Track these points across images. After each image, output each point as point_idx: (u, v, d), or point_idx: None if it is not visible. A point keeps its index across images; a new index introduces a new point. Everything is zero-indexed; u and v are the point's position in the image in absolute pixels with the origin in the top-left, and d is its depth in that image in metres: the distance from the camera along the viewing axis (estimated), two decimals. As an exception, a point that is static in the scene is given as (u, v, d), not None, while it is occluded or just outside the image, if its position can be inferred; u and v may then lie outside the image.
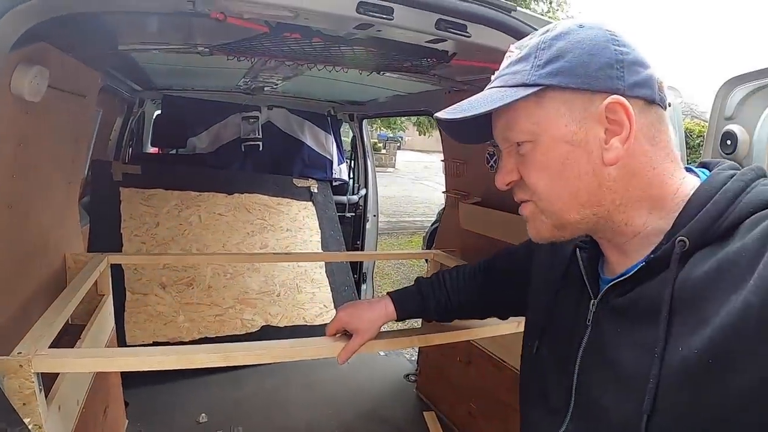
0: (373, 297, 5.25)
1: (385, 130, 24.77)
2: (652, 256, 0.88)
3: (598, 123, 0.88)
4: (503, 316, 1.70)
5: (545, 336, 1.14)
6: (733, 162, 0.94)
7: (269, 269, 4.11)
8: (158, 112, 5.33)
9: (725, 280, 0.77)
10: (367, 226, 5.21)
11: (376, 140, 27.58)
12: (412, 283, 1.69)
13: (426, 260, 3.72)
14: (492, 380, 2.94)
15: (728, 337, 0.73)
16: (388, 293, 1.65)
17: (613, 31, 0.92)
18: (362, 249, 5.17)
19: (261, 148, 4.90)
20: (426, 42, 1.96)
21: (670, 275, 0.84)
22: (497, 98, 0.92)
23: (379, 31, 1.80)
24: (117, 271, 3.34)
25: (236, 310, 3.81)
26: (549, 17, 14.25)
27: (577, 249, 1.08)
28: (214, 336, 3.61)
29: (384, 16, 1.54)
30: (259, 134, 4.89)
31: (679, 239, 0.84)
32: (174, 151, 5.14)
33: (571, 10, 16.13)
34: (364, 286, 5.11)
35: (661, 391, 0.80)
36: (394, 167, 28.25)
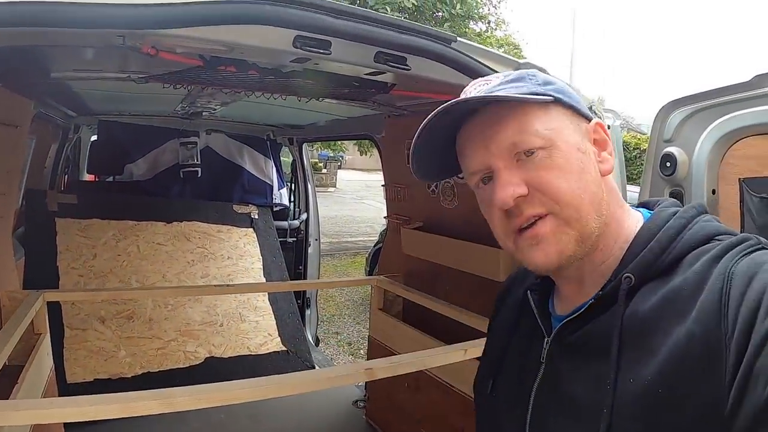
0: (317, 324, 5.24)
1: (325, 149, 24.74)
2: (600, 293, 0.91)
3: (588, 141, 0.95)
4: None
5: (500, 376, 1.13)
6: (674, 199, 1.00)
7: (211, 299, 4.05)
8: (94, 137, 5.16)
9: (670, 312, 0.82)
10: (309, 250, 5.18)
11: (317, 160, 27.46)
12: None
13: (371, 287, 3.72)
14: (442, 406, 2.94)
15: (676, 366, 0.78)
16: None
17: (558, 80, 0.99)
18: (305, 274, 5.13)
19: (200, 174, 4.79)
20: (365, 75, 1.97)
21: (619, 310, 0.87)
22: (514, 96, 0.91)
23: (316, 64, 1.79)
24: (54, 306, 3.22)
25: (179, 342, 3.73)
26: (487, 36, 14.52)
27: (528, 291, 1.08)
28: (157, 370, 3.52)
29: (321, 51, 1.52)
30: (197, 160, 4.78)
31: (625, 276, 0.88)
32: (111, 179, 4.99)
33: (510, 29, 16.43)
34: (308, 312, 5.06)
35: (614, 421, 0.83)
36: (335, 187, 28.16)
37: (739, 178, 1.83)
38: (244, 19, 1.35)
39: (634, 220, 0.96)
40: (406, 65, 1.69)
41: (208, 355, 3.78)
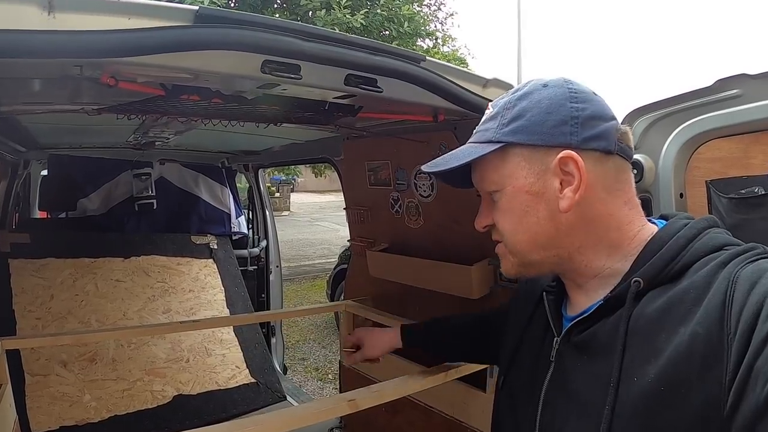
0: (283, 351, 5.18)
1: (278, 173, 24.62)
2: (609, 295, 0.97)
3: (554, 175, 0.98)
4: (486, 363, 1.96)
5: (510, 372, 1.22)
6: (688, 213, 1.07)
7: (175, 335, 3.94)
8: (45, 172, 4.98)
9: (675, 313, 0.87)
10: (271, 278, 5.11)
11: (270, 184, 27.33)
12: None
13: (337, 313, 3.68)
14: (422, 428, 2.91)
15: (678, 366, 0.82)
16: (400, 325, 1.97)
17: (575, 88, 1.01)
18: (268, 302, 5.05)
19: (155, 206, 4.65)
20: (334, 98, 1.94)
21: (626, 312, 0.93)
22: (468, 154, 1.05)
23: (284, 89, 1.74)
24: (12, 353, 3.10)
25: (145, 382, 3.60)
26: (435, 52, 14.65)
27: (544, 292, 1.17)
28: (125, 413, 3.39)
29: (291, 76, 1.48)
30: (152, 191, 4.65)
31: (634, 280, 0.93)
32: (64, 215, 4.85)
33: (456, 43, 16.63)
34: (273, 340, 4.98)
35: (616, 418, 0.88)
36: (289, 210, 28.01)
37: (706, 181, 1.88)
38: (209, 44, 1.30)
39: (649, 231, 1.01)
40: (378, 87, 1.67)
41: (176, 393, 3.66)
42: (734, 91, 1.73)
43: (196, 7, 1.29)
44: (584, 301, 1.05)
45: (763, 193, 1.71)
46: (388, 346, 1.94)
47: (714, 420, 0.78)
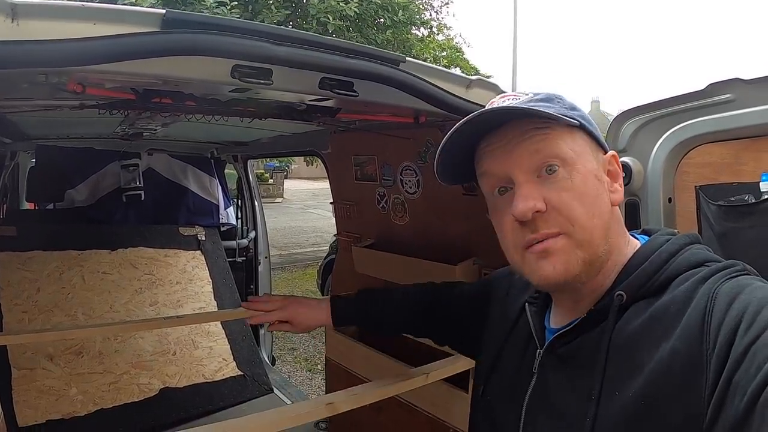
0: (272, 342, 5.19)
1: (272, 160, 24.58)
2: (593, 308, 0.97)
3: (604, 170, 0.99)
4: (438, 342, 1.72)
5: (491, 381, 1.20)
6: (670, 229, 1.05)
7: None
8: (32, 163, 4.97)
9: (657, 329, 0.87)
10: (260, 269, 5.08)
11: (263, 171, 27.28)
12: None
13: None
14: (406, 426, 2.90)
15: (659, 381, 0.83)
16: (330, 297, 1.79)
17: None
18: (256, 293, 4.99)
19: (143, 197, 4.60)
20: (309, 101, 1.91)
21: (609, 326, 0.92)
22: (548, 112, 0.93)
23: (257, 93, 1.73)
24: (-1, 347, 3.12)
25: (131, 375, 3.59)
26: (430, 41, 14.58)
27: (527, 304, 1.16)
28: (111, 406, 3.38)
29: (262, 81, 1.43)
30: (140, 182, 4.59)
31: (617, 293, 0.93)
32: (51, 206, 4.83)
33: (451, 32, 16.54)
34: (262, 331, 4.95)
35: (597, 431, 0.88)
36: (282, 197, 28.02)
37: (695, 186, 1.87)
38: (176, 51, 1.25)
39: (632, 246, 1.01)
40: (354, 91, 1.61)
41: (162, 386, 3.64)
42: (727, 95, 1.71)
43: (164, 11, 1.26)
44: (568, 313, 1.04)
45: (753, 201, 1.69)
46: (315, 323, 1.78)
47: None
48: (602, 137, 1.02)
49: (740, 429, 0.72)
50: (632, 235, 1.05)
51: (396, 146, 2.94)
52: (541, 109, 0.92)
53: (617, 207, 1.00)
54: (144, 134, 3.73)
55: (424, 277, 2.88)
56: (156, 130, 3.49)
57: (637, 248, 1.00)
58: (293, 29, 1.56)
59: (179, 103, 1.78)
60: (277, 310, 1.76)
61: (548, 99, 0.99)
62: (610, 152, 1.02)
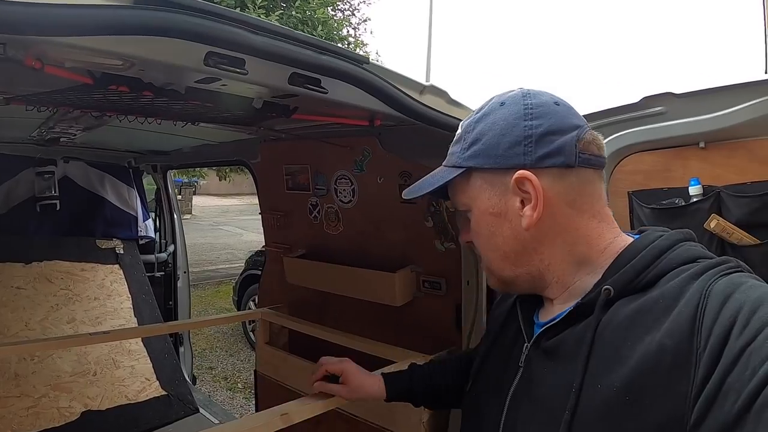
0: (192, 359, 5.04)
1: (180, 175, 24.01)
2: (579, 302, 0.98)
3: (514, 194, 1.01)
4: None
5: (479, 377, 1.24)
6: (664, 227, 1.05)
7: (81, 346, 3.72)
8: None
9: (643, 322, 0.87)
10: (179, 284, 4.97)
11: (171, 186, 26.62)
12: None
13: (253, 321, 3.58)
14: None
15: (644, 375, 0.83)
16: (381, 373, 1.66)
17: (532, 103, 1.02)
18: (175, 309, 4.89)
19: (58, 207, 4.30)
20: (272, 97, 1.87)
21: (594, 319, 0.93)
22: (438, 179, 1.11)
23: (224, 85, 1.64)
24: None
25: (50, 398, 3.39)
26: (354, 40, 14.61)
27: (518, 300, 1.20)
28: (31, 432, 3.17)
29: (236, 70, 1.37)
30: (55, 191, 4.29)
31: (604, 288, 0.94)
32: None
33: (368, 49, 16.60)
34: (182, 349, 4.82)
35: (576, 423, 0.89)
36: (191, 213, 27.32)
37: (628, 191, 2.00)
38: (153, 29, 1.15)
39: (618, 244, 1.02)
40: (323, 88, 1.59)
41: (84, 410, 3.46)
42: (659, 108, 1.85)
43: None
44: (556, 309, 1.06)
45: (683, 204, 1.83)
46: (367, 395, 1.64)
47: None
48: (510, 159, 1.00)
49: (730, 431, 0.72)
50: (629, 235, 1.06)
51: (331, 154, 2.92)
52: (445, 164, 1.12)
53: (539, 227, 1.01)
54: (62, 139, 3.52)
55: (361, 286, 2.88)
56: (75, 135, 3.30)
57: (626, 245, 1.00)
58: (266, 20, 1.49)
59: (135, 91, 1.65)
60: (335, 363, 1.68)
61: (458, 140, 1.10)
62: (517, 174, 0.99)
